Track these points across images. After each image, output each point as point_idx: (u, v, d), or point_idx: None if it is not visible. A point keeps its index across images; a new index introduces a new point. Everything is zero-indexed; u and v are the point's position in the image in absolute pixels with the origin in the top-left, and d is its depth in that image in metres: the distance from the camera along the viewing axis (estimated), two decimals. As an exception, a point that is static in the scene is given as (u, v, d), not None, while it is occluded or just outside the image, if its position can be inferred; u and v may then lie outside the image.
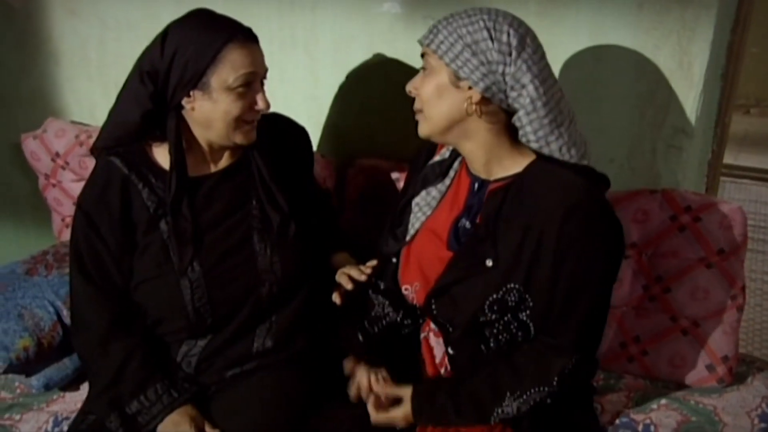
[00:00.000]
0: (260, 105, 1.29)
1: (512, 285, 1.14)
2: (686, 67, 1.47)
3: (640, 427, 1.34)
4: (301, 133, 1.50)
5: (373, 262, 1.35)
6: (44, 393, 1.54)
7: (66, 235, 1.89)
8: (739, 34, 1.59)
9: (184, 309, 1.32)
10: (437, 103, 1.15)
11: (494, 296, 1.15)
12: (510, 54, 1.09)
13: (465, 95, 1.12)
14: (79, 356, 1.47)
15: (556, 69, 1.53)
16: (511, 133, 1.17)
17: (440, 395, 1.19)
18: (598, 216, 1.12)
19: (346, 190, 1.78)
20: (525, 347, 1.18)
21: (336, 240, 1.54)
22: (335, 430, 1.29)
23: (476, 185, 1.23)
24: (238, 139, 1.31)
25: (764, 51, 4.94)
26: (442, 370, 1.28)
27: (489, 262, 1.15)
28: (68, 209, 1.92)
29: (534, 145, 1.14)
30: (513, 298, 1.14)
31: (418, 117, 1.20)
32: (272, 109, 1.32)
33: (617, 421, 1.37)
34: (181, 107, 1.28)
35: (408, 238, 1.29)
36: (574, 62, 1.54)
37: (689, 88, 1.49)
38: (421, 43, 1.16)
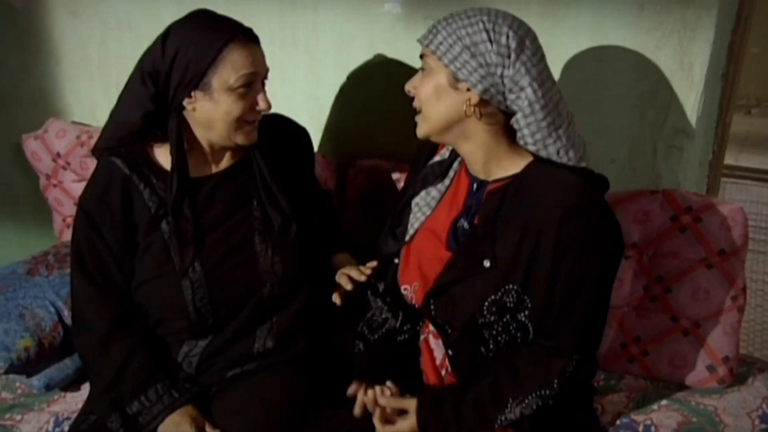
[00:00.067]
0: (261, 105, 1.29)
1: (511, 286, 1.14)
2: (687, 68, 1.47)
3: (641, 428, 1.34)
4: (302, 133, 1.50)
5: (373, 263, 1.35)
6: (45, 393, 1.54)
7: (67, 236, 1.89)
8: (739, 34, 1.59)
9: (185, 309, 1.32)
10: (435, 104, 1.15)
11: (493, 297, 1.14)
12: (509, 56, 1.08)
13: (463, 97, 1.12)
14: (80, 356, 1.47)
15: (556, 70, 1.53)
16: (509, 134, 1.16)
17: (445, 407, 1.19)
18: (597, 216, 1.12)
19: (347, 191, 1.77)
20: (524, 350, 1.18)
21: (337, 240, 1.54)
22: (335, 430, 1.29)
23: (475, 186, 1.23)
24: (240, 139, 1.31)
25: (765, 51, 4.94)
26: (443, 372, 1.28)
27: (487, 263, 1.15)
28: (69, 209, 1.92)
29: (531, 148, 1.13)
30: (511, 299, 1.14)
31: (416, 117, 1.20)
32: (273, 110, 1.32)
33: (618, 422, 1.37)
34: (183, 108, 1.28)
35: (407, 238, 1.29)
36: (575, 63, 1.54)
37: (690, 89, 1.49)
38: (420, 43, 1.16)
